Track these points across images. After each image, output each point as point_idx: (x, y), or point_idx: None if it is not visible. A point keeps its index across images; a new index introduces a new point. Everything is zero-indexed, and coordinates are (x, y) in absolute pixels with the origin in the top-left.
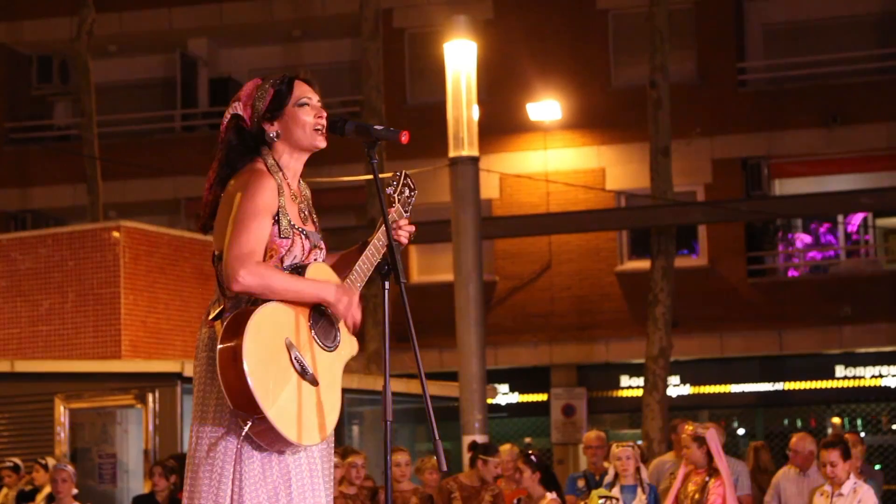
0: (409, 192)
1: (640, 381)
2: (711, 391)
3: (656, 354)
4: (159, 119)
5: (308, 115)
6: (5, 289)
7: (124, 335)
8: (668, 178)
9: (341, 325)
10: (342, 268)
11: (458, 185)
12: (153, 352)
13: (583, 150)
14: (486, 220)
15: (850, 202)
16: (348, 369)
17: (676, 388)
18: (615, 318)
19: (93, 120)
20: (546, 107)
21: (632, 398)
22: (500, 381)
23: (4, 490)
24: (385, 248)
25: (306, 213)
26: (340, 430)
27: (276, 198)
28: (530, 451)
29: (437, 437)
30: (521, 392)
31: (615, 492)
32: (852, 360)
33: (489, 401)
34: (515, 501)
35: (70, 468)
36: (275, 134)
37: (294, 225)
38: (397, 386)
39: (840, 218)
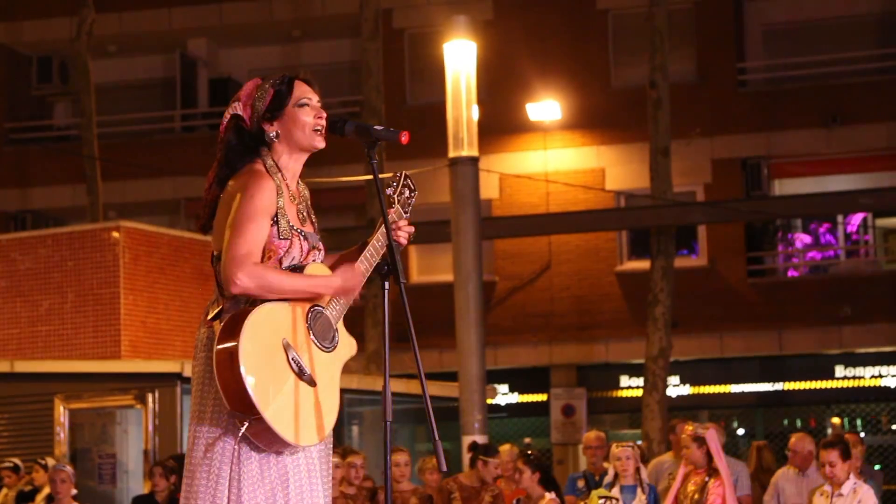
0: (410, 193)
1: (639, 381)
2: (711, 391)
3: (656, 354)
4: (159, 119)
5: (308, 115)
6: (5, 289)
7: (124, 335)
8: (668, 179)
9: (340, 325)
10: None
11: (458, 185)
12: (153, 352)
13: (582, 151)
14: (486, 221)
15: (849, 202)
16: (348, 369)
17: (676, 388)
18: (615, 318)
19: (92, 120)
20: (546, 107)
21: (631, 398)
22: (500, 382)
23: (4, 490)
24: (384, 249)
25: (305, 213)
26: (340, 431)
27: (274, 199)
28: (529, 452)
29: (437, 438)
30: (521, 392)
31: (615, 492)
32: (852, 361)
33: (489, 401)
34: (515, 502)
35: (69, 468)
36: (274, 134)
37: (293, 226)
38: (397, 386)
39: (840, 218)
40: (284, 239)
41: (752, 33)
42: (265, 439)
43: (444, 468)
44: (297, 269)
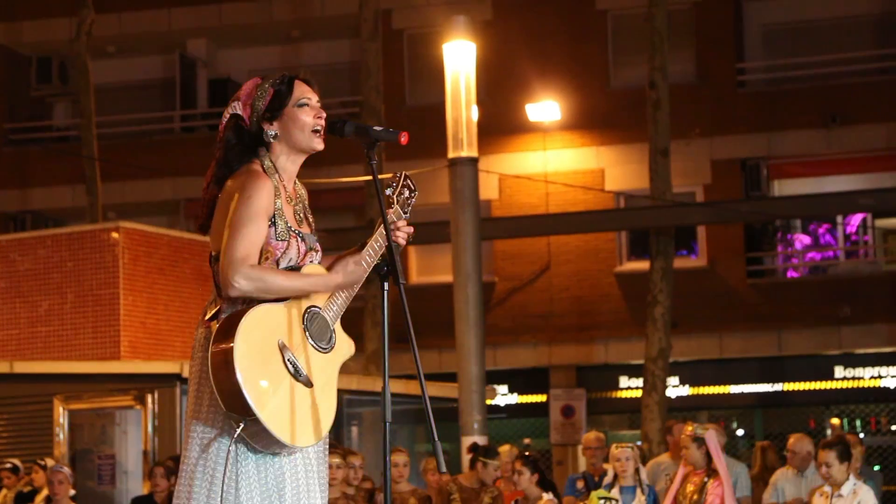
0: (409, 194)
1: (639, 381)
2: (710, 392)
3: (655, 355)
4: (158, 120)
5: (307, 115)
6: (4, 290)
7: (123, 336)
8: (668, 179)
9: (337, 325)
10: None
11: (458, 185)
12: (152, 353)
13: (582, 151)
14: (486, 221)
15: (849, 203)
16: (347, 370)
17: (675, 388)
18: (614, 318)
19: (92, 121)
20: (545, 107)
21: (631, 399)
22: (500, 382)
23: (3, 491)
24: (383, 250)
25: (302, 215)
26: (339, 432)
27: (272, 200)
28: (527, 453)
29: (437, 439)
30: (521, 393)
31: (614, 493)
32: (851, 361)
33: (488, 402)
34: (514, 503)
35: (66, 470)
36: (274, 134)
37: (290, 227)
38: (396, 387)
39: (839, 219)
40: (282, 240)
41: (751, 34)
42: (261, 440)
43: (444, 469)
44: (295, 270)
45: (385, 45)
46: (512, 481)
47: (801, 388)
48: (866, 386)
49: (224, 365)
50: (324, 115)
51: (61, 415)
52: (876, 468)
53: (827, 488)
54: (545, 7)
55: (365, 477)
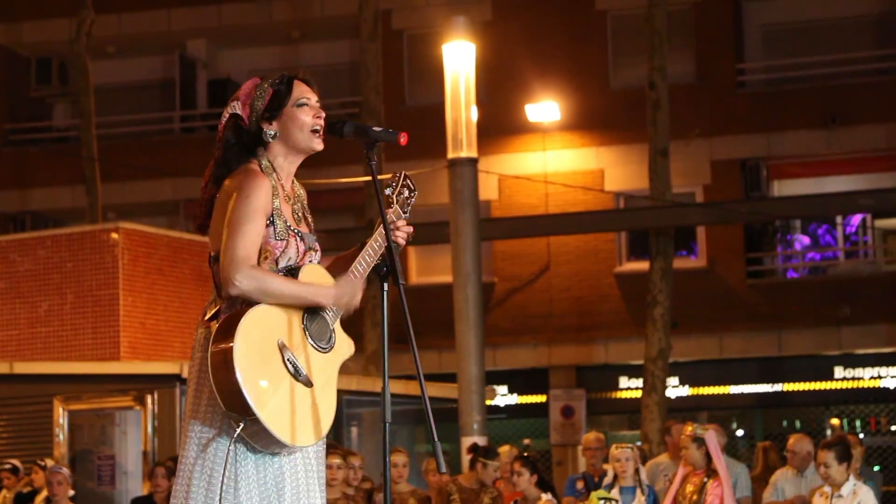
0: (409, 193)
1: (639, 382)
2: (710, 392)
3: (655, 356)
4: (158, 120)
5: (306, 115)
6: (4, 290)
7: (123, 337)
8: (667, 180)
9: (337, 325)
10: (339, 270)
11: (457, 186)
12: (152, 353)
13: (581, 152)
14: (485, 222)
15: (848, 203)
16: (347, 371)
17: (675, 389)
18: (614, 319)
19: (92, 121)
20: (545, 108)
21: (631, 399)
22: (499, 383)
23: (3, 492)
24: (382, 250)
25: (301, 214)
26: (339, 432)
27: (270, 199)
28: (526, 453)
29: (436, 439)
30: (520, 393)
31: (614, 493)
32: (851, 362)
33: (488, 402)
34: (513, 503)
35: (65, 470)
36: (273, 133)
37: (289, 226)
38: (396, 387)
39: (839, 219)
40: (281, 239)
41: (751, 34)
42: (261, 440)
43: (444, 469)
44: (294, 270)
45: (385, 46)
46: (511, 482)
47: (801, 389)
48: (866, 386)
49: (224, 364)
50: (323, 115)
51: (61, 415)
52: (876, 468)
53: (827, 489)
54: (545, 7)
55: (364, 477)
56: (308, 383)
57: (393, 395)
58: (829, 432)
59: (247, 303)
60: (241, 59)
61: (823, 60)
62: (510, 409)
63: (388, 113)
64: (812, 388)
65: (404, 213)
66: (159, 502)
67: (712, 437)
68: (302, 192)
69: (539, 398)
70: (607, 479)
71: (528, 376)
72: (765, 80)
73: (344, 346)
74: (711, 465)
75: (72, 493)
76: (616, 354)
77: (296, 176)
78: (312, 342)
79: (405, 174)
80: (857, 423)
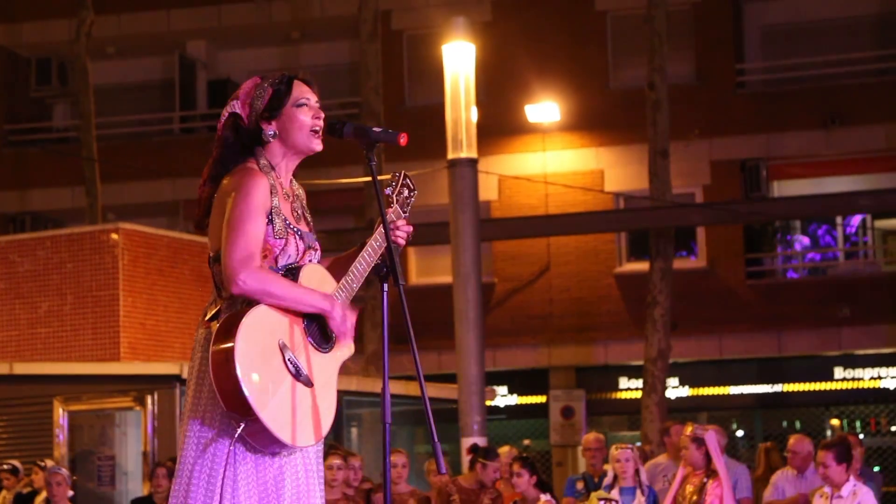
0: (409, 193)
1: (638, 382)
2: (710, 393)
3: (655, 356)
4: (158, 121)
5: (306, 115)
6: (4, 291)
7: (123, 337)
8: (667, 180)
9: None
10: (339, 270)
11: (457, 186)
12: (152, 354)
13: (581, 152)
14: (485, 222)
15: (848, 204)
16: (347, 371)
17: (675, 389)
18: (614, 319)
19: (91, 122)
20: (544, 108)
21: (631, 400)
22: (499, 383)
23: (3, 493)
24: (382, 249)
25: (300, 212)
26: (339, 432)
27: (269, 197)
28: (524, 454)
29: (437, 440)
30: (520, 394)
31: (614, 494)
32: (851, 362)
33: (488, 403)
34: None
35: (64, 471)
36: (272, 133)
37: (289, 224)
38: (396, 388)
39: (839, 219)
40: (280, 238)
41: (750, 35)
42: (261, 440)
43: (444, 470)
44: (294, 269)
45: (384, 46)
46: (510, 483)
47: (801, 389)
48: (866, 387)
49: (225, 364)
50: (322, 115)
51: (61, 416)
52: (876, 469)
53: (827, 489)
54: (545, 8)
55: (364, 478)
56: (309, 383)
57: (393, 396)
58: (829, 433)
59: (247, 303)
60: (241, 60)
61: (823, 61)
62: (510, 410)
63: (387, 113)
64: (812, 389)
65: (404, 212)
66: (159, 503)
67: (712, 438)
68: (301, 191)
69: (539, 399)
70: (607, 480)
71: (528, 377)
72: (764, 80)
73: (344, 345)
74: (711, 466)
75: (71, 493)
76: (616, 355)
77: (295, 176)
78: (313, 342)
79: (405, 174)
80: (857, 423)
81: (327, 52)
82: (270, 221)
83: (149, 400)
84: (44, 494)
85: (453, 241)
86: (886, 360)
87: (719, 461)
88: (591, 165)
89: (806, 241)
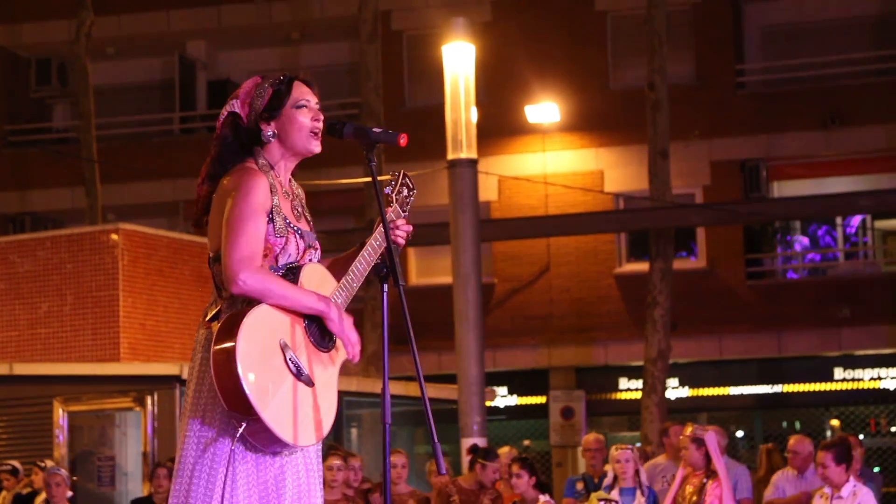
0: (408, 192)
1: (638, 383)
2: (710, 393)
3: (655, 357)
4: (158, 121)
5: (305, 117)
6: (4, 291)
7: (123, 338)
8: (667, 181)
9: None
10: (339, 270)
11: (457, 187)
12: (152, 354)
13: (581, 153)
14: (485, 223)
15: (848, 204)
16: (346, 371)
17: (675, 390)
18: (614, 320)
19: (91, 122)
20: (544, 109)
21: (630, 401)
22: (499, 384)
23: (3, 493)
24: (382, 249)
25: (300, 210)
26: (339, 433)
27: (269, 196)
28: (523, 455)
29: (437, 440)
30: (520, 394)
31: (614, 494)
32: (851, 363)
33: (488, 403)
34: None
35: (63, 472)
36: (271, 133)
37: (289, 223)
38: (396, 388)
39: (839, 220)
40: (280, 237)
41: (750, 35)
42: (263, 439)
43: (444, 470)
44: (295, 268)
45: (384, 47)
46: (510, 483)
47: (801, 390)
48: (866, 387)
49: (226, 364)
50: (322, 117)
51: (61, 416)
52: (876, 470)
53: (827, 490)
54: (544, 8)
55: (364, 478)
56: (310, 383)
57: (393, 396)
58: (829, 433)
59: (248, 303)
60: (241, 61)
61: (823, 61)
62: (510, 411)
63: (387, 114)
64: (812, 390)
65: (403, 211)
66: (159, 503)
67: (712, 438)
68: (300, 190)
69: (539, 399)
70: (607, 481)
71: (528, 377)
72: (764, 80)
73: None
74: (711, 466)
75: (70, 494)
76: (616, 355)
77: (295, 177)
78: (314, 342)
79: (404, 173)
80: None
81: (327, 52)
82: (271, 220)
83: (149, 400)
84: (43, 495)
85: (453, 242)
86: (886, 361)
87: (719, 462)
88: (591, 166)
89: (806, 241)
